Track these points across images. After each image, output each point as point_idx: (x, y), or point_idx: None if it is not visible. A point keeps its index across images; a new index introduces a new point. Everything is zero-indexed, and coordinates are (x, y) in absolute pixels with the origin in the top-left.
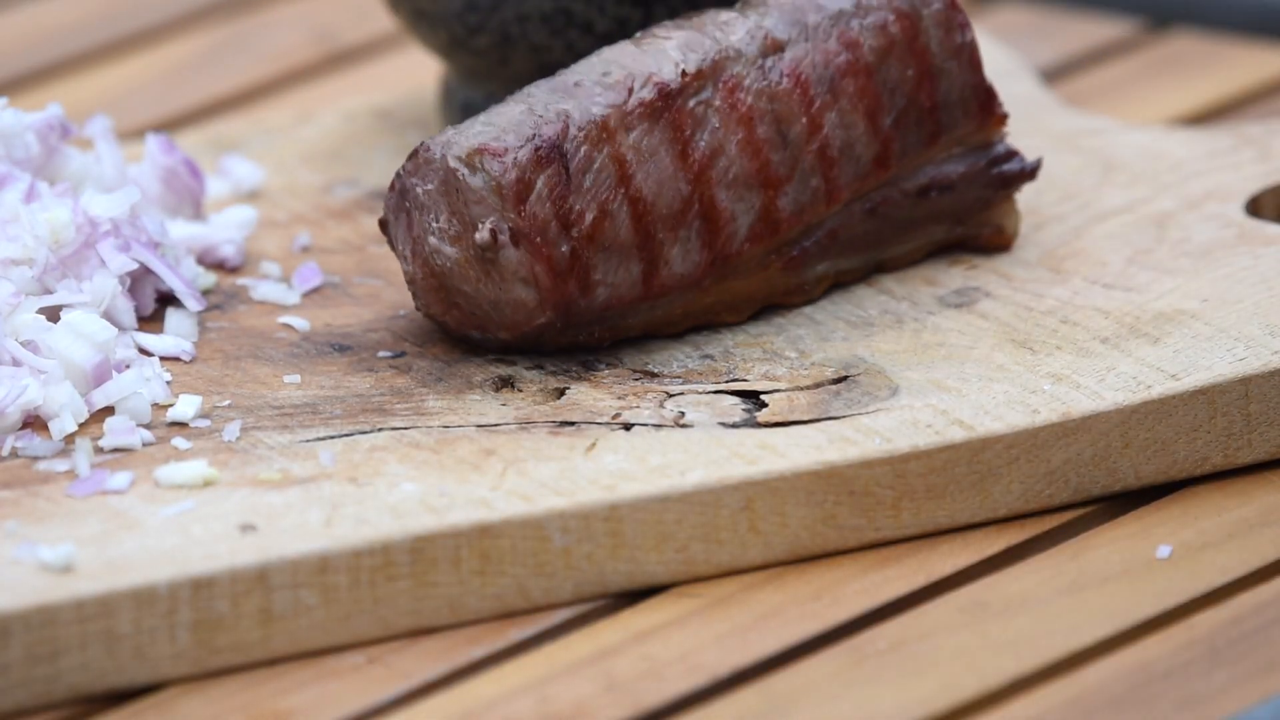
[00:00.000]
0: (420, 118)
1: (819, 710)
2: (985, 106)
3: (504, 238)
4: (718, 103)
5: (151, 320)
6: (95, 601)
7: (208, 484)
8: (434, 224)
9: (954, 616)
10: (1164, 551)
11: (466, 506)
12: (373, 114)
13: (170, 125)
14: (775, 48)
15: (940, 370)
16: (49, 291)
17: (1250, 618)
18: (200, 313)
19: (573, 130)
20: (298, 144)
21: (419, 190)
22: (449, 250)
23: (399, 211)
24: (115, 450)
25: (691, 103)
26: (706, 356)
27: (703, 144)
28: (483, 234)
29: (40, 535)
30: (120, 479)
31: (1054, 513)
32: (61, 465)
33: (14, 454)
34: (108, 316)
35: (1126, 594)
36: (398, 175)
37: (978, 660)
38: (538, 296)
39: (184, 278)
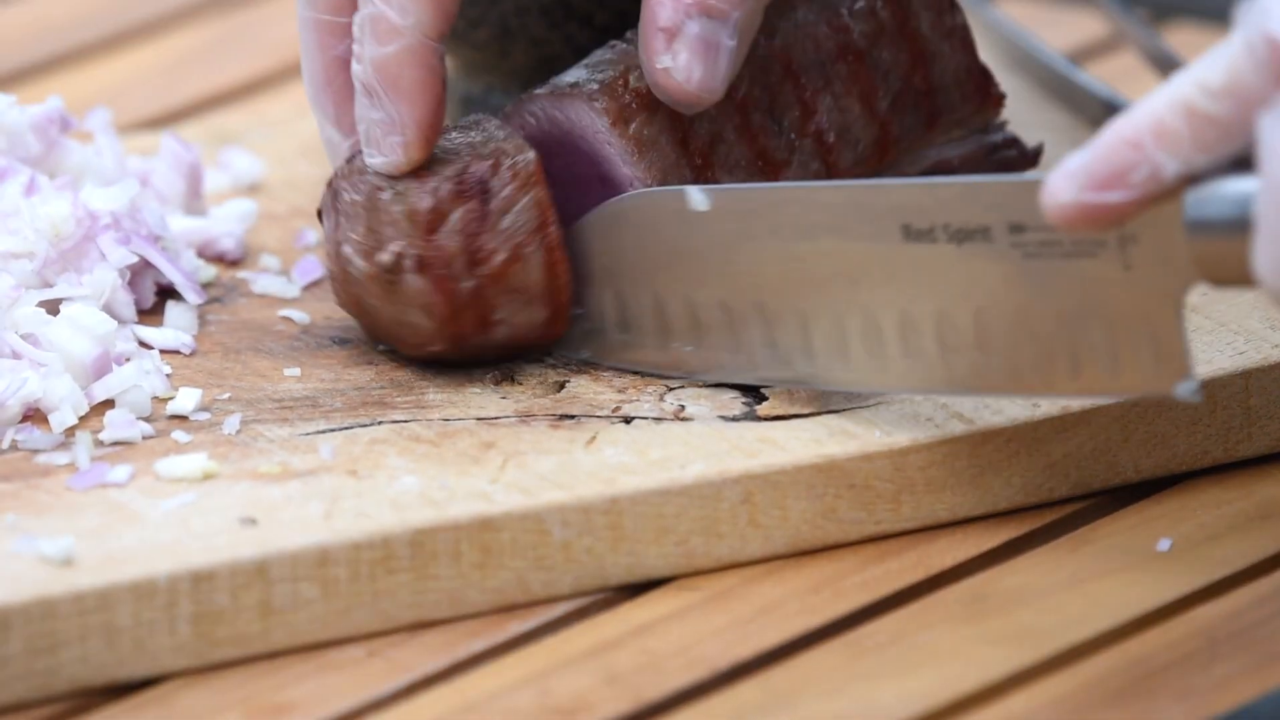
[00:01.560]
0: None
1: (819, 703)
2: (981, 87)
3: (408, 264)
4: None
5: (151, 313)
6: (95, 594)
7: (207, 477)
8: (350, 234)
9: (954, 610)
10: (1164, 545)
11: (466, 499)
12: None
13: (170, 118)
14: (765, 34)
15: None
16: (49, 285)
17: (1250, 611)
18: (200, 306)
19: (504, 168)
20: (297, 137)
21: (345, 197)
22: (359, 263)
23: (329, 210)
24: (115, 443)
25: None
26: None
27: (703, 131)
28: (387, 256)
29: (40, 528)
30: (120, 472)
31: (1054, 506)
32: (61, 458)
33: (14, 447)
34: (108, 309)
35: (1126, 587)
36: (334, 174)
37: (977, 653)
38: (432, 326)
39: (184, 271)
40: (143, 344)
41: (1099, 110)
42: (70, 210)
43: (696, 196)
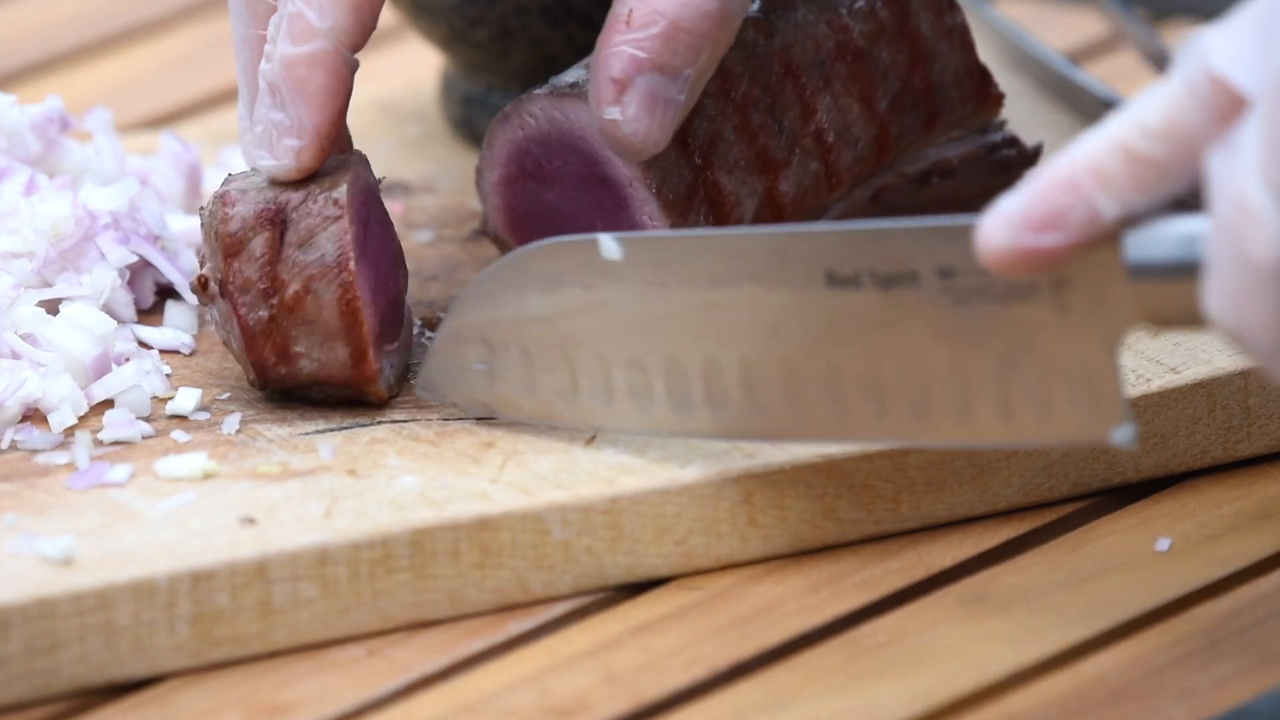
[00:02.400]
0: (420, 110)
1: (818, 703)
2: (981, 87)
3: (214, 286)
4: (712, 89)
5: (151, 313)
6: (94, 594)
7: (207, 477)
8: (205, 246)
9: (953, 609)
10: (1163, 544)
11: (466, 499)
12: (372, 106)
13: (169, 118)
14: (764, 34)
15: None
16: (48, 284)
17: (1250, 610)
18: (199, 306)
19: (311, 201)
20: None
21: (209, 207)
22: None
23: None
24: (115, 443)
25: None
26: None
27: (701, 131)
28: (193, 277)
29: (39, 528)
30: (120, 472)
31: (1053, 506)
32: (61, 458)
33: (13, 447)
34: (107, 309)
35: (1126, 587)
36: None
37: (977, 653)
38: (240, 353)
39: (183, 270)
40: (142, 344)
41: (1098, 110)
42: (70, 210)
43: (609, 246)
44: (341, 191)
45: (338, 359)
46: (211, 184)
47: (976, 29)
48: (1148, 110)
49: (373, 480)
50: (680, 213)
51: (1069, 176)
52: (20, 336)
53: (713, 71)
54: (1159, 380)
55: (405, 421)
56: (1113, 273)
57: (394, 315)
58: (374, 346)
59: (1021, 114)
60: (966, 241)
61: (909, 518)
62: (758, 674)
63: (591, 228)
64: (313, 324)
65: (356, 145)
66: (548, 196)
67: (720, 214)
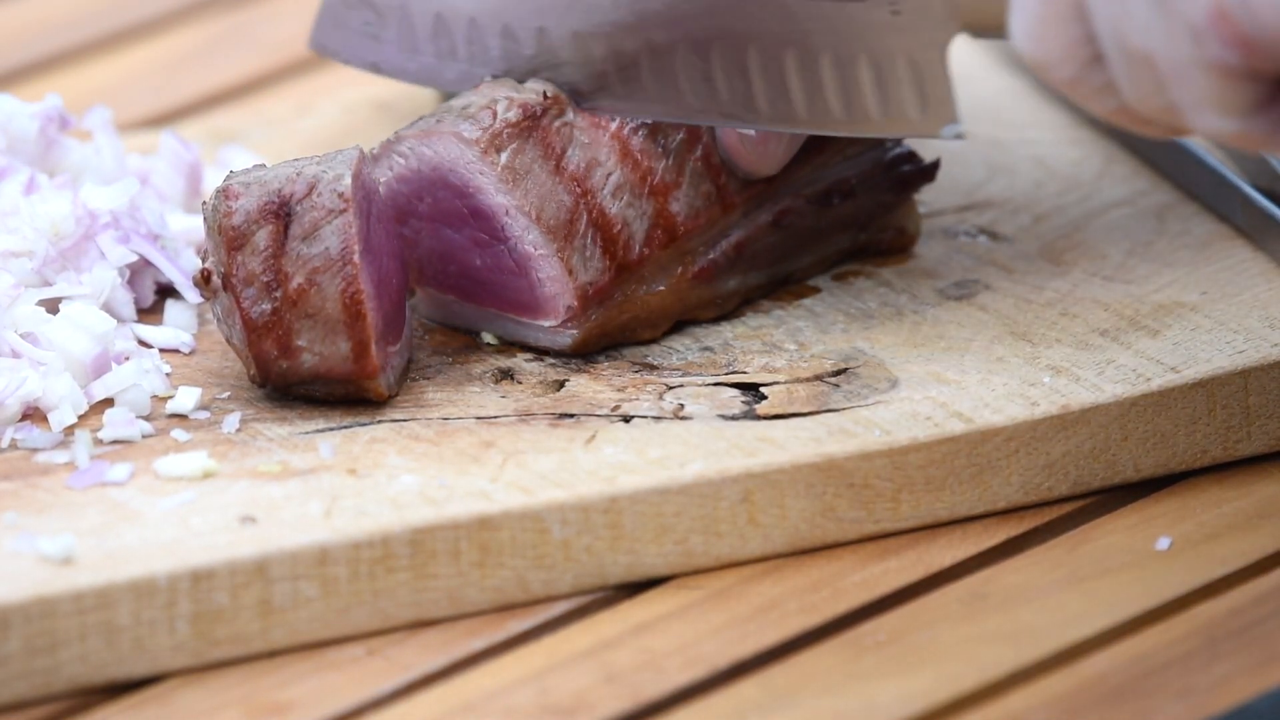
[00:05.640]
0: (419, 110)
1: (818, 702)
2: None
3: (216, 280)
4: (581, 123)
5: (151, 312)
6: (94, 593)
7: (207, 476)
8: (208, 240)
9: (953, 608)
10: (1163, 543)
11: (466, 498)
12: (372, 106)
13: (169, 117)
14: None
15: (939, 363)
16: (48, 283)
17: (1249, 609)
18: (199, 305)
19: (315, 194)
20: (297, 136)
21: (211, 201)
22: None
23: None
24: (115, 442)
25: (556, 123)
26: (706, 349)
27: (576, 158)
28: (197, 270)
29: (40, 527)
30: (120, 471)
31: (1053, 505)
32: (61, 457)
33: (13, 446)
34: (107, 308)
35: (1126, 586)
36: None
37: (977, 652)
38: (242, 347)
39: (183, 269)
40: (142, 343)
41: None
42: (70, 209)
43: None
44: (345, 185)
45: (339, 353)
46: (211, 183)
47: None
48: None
49: (373, 479)
50: (565, 237)
51: None
52: (20, 335)
53: None
54: (1159, 380)
55: (405, 421)
56: None
57: (396, 315)
58: (376, 343)
59: (1020, 114)
60: None
61: (909, 517)
62: (757, 673)
63: (473, 264)
64: (315, 317)
65: (356, 145)
66: (426, 232)
67: (609, 236)
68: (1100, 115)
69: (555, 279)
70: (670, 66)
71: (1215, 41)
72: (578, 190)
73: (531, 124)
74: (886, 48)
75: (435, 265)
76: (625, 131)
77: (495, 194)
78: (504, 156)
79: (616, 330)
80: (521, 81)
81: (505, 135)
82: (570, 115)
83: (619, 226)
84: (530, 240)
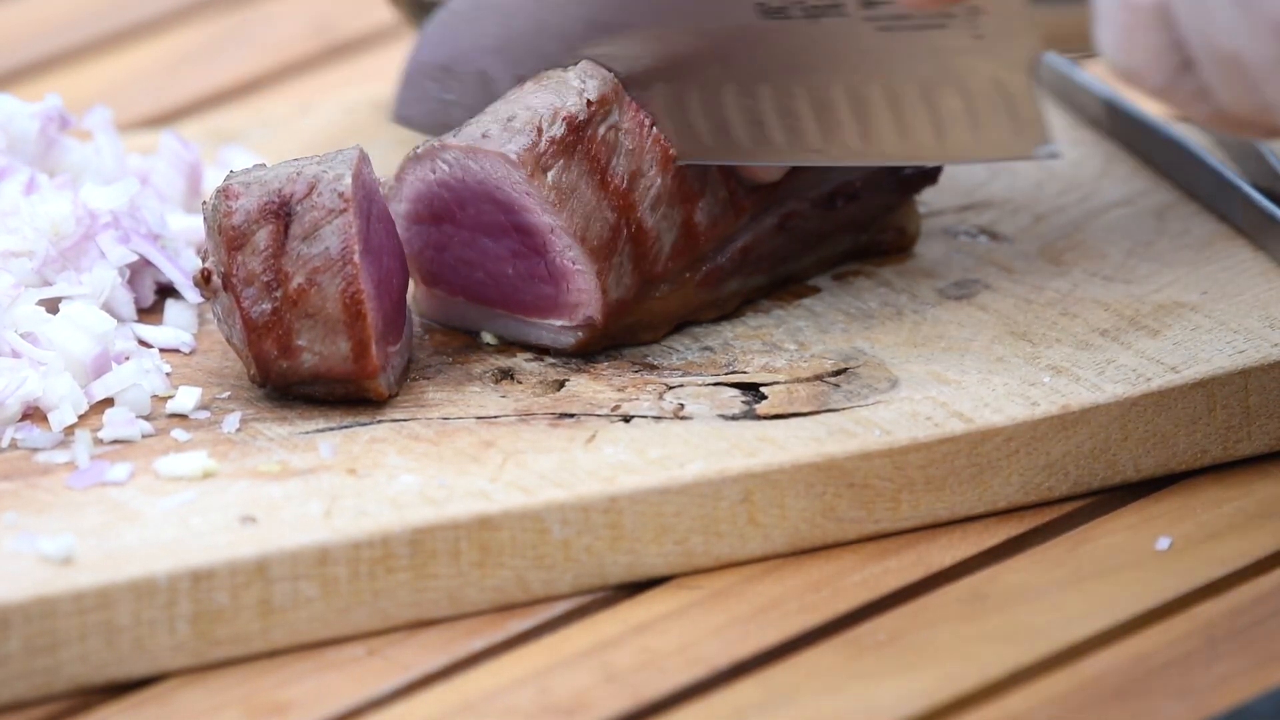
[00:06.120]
0: None
1: (818, 702)
2: None
3: (216, 280)
4: (626, 124)
5: (151, 312)
6: (95, 593)
7: (207, 476)
8: (209, 239)
9: (953, 608)
10: (1163, 543)
11: (466, 498)
12: (372, 105)
13: (170, 117)
14: None
15: (940, 362)
16: (48, 283)
17: (1249, 609)
18: (199, 304)
19: (316, 194)
20: (297, 135)
21: (212, 200)
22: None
23: None
24: (115, 442)
25: (601, 129)
26: (706, 349)
27: (620, 169)
28: (197, 270)
29: (40, 527)
30: (120, 470)
31: (1053, 505)
32: (61, 457)
33: (14, 445)
34: (107, 308)
35: (1126, 586)
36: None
37: (977, 652)
38: (243, 347)
39: (183, 269)
40: (142, 342)
41: (1099, 110)
42: (70, 209)
43: None
44: (346, 184)
45: (339, 353)
46: (211, 183)
47: None
48: None
49: (373, 479)
50: (605, 257)
51: None
52: (20, 335)
53: None
54: (1159, 380)
55: (405, 420)
56: (1016, 1)
57: (397, 316)
58: (377, 342)
59: None
60: None
61: (909, 517)
62: (757, 673)
63: (505, 272)
64: (315, 317)
65: (356, 145)
66: (459, 239)
67: (641, 250)
68: (1198, 121)
69: (587, 292)
70: (755, 105)
71: None
72: (620, 204)
73: (576, 137)
74: (973, 72)
75: (459, 270)
76: (662, 138)
77: (541, 214)
78: (550, 176)
79: (619, 332)
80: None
81: (550, 153)
82: (616, 115)
83: (653, 240)
84: (571, 256)
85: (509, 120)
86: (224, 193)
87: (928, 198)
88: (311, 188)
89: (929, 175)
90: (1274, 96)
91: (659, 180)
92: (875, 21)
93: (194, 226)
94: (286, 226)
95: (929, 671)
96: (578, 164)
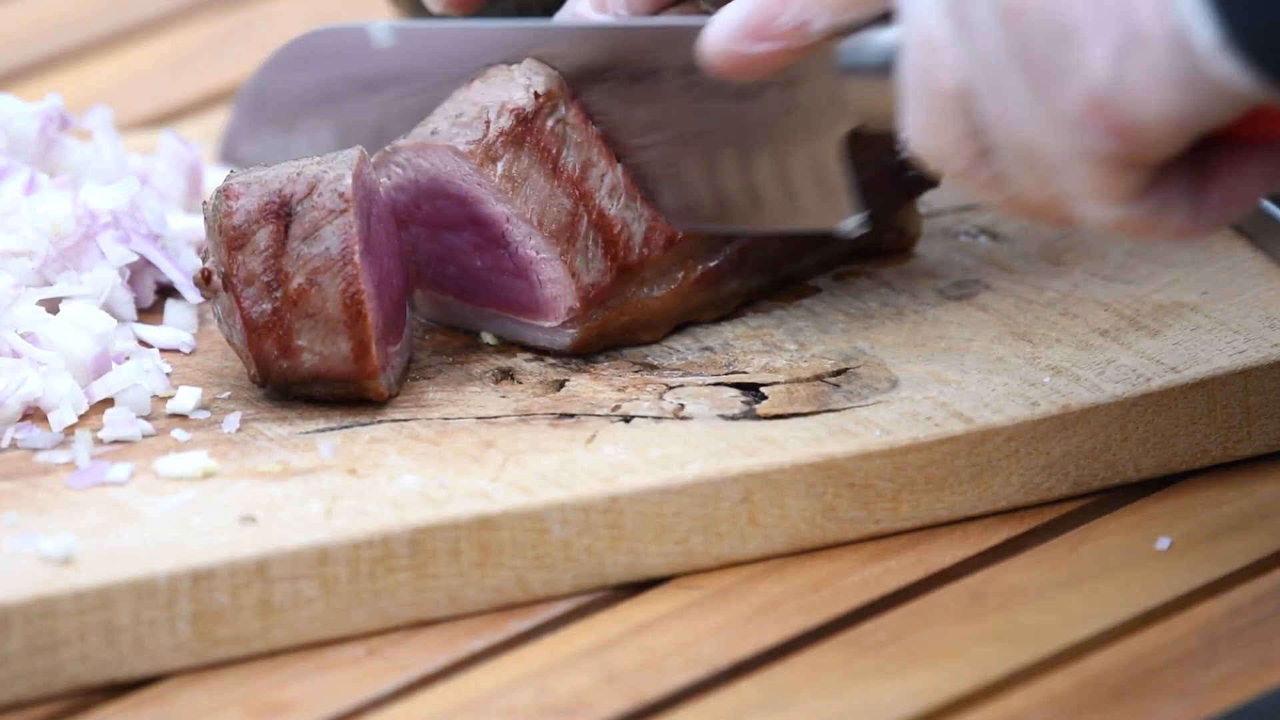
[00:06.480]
0: None
1: (818, 702)
2: None
3: (216, 280)
4: (572, 119)
5: (151, 312)
6: (95, 593)
7: (207, 476)
8: (209, 239)
9: (953, 608)
10: (1163, 543)
11: (466, 498)
12: None
13: (170, 117)
14: None
15: (940, 362)
16: (49, 283)
17: (1249, 610)
18: (200, 304)
19: (316, 194)
20: None
21: (212, 200)
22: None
23: None
24: (115, 442)
25: (550, 122)
26: (706, 349)
27: (571, 160)
28: (197, 270)
29: (40, 526)
30: (120, 470)
31: (1053, 505)
32: (61, 457)
33: (14, 445)
34: (107, 308)
35: (1125, 586)
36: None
37: (977, 652)
38: (243, 348)
39: (184, 269)
40: (142, 342)
41: None
42: (70, 209)
43: (380, 33)
44: (346, 184)
45: (340, 353)
46: (212, 183)
47: None
48: None
49: (373, 479)
50: (568, 240)
51: None
52: (21, 335)
53: None
54: (1159, 380)
55: (405, 420)
56: (829, 76)
57: (397, 315)
58: (377, 342)
59: None
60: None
61: (909, 517)
62: (758, 673)
63: (474, 265)
64: (316, 317)
65: (356, 145)
66: (425, 237)
67: (610, 237)
68: (993, 207)
69: (557, 281)
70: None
71: (1094, 131)
72: (576, 193)
73: (525, 129)
74: (786, 143)
75: (435, 267)
76: (608, 132)
77: (495, 203)
78: (500, 166)
79: (616, 332)
80: (518, 62)
81: (499, 144)
82: (563, 110)
83: (619, 227)
84: (532, 245)
85: (457, 116)
86: (224, 193)
87: (927, 198)
88: (312, 188)
89: (931, 178)
90: (1064, 186)
91: (610, 172)
92: (692, 90)
93: (194, 226)
94: (287, 226)
95: (929, 671)
96: (528, 154)
